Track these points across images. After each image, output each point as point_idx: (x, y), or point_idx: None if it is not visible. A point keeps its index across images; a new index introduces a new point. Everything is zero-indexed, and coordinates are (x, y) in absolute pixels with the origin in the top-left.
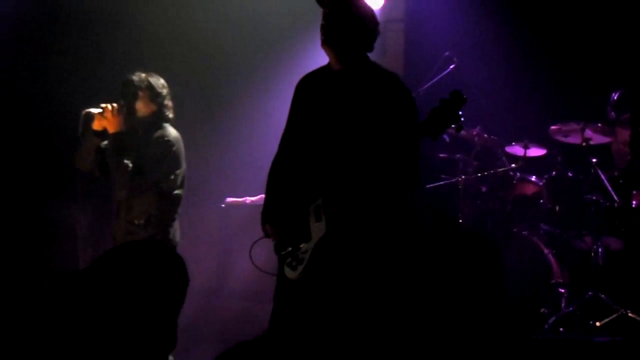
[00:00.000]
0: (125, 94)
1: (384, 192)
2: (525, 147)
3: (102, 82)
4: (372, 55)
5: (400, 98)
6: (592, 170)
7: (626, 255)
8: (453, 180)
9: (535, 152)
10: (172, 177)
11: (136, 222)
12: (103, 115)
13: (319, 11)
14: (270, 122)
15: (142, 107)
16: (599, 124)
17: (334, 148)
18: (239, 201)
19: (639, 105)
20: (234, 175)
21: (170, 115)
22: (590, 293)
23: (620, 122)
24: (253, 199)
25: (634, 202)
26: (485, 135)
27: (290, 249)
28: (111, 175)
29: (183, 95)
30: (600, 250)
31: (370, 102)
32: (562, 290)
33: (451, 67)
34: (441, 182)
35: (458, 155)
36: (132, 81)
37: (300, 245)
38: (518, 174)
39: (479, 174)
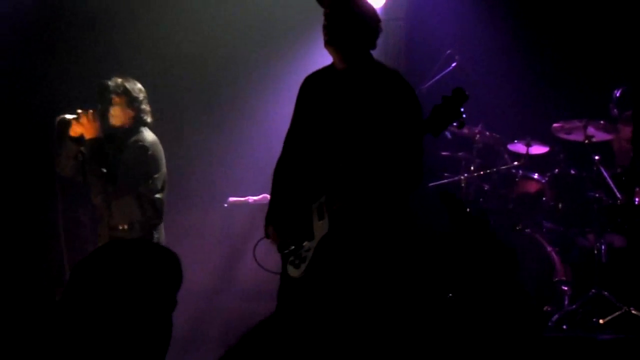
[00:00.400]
0: (102, 100)
1: (387, 190)
2: (528, 145)
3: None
4: (373, 54)
5: (404, 96)
6: (595, 168)
7: (629, 252)
8: (455, 178)
9: (538, 149)
10: (151, 181)
11: (120, 227)
12: (79, 121)
13: (321, 11)
14: (273, 122)
15: (119, 113)
16: (602, 121)
17: (337, 146)
18: (241, 201)
19: None
20: (236, 174)
21: (149, 120)
22: (593, 290)
23: (622, 119)
24: (256, 198)
25: (636, 199)
26: (488, 133)
27: (293, 247)
28: (88, 180)
29: (186, 95)
30: (603, 247)
31: (374, 100)
32: (565, 288)
33: (453, 65)
34: (444, 181)
35: (460, 154)
36: (108, 86)
37: (303, 244)
38: (521, 172)
39: (482, 172)
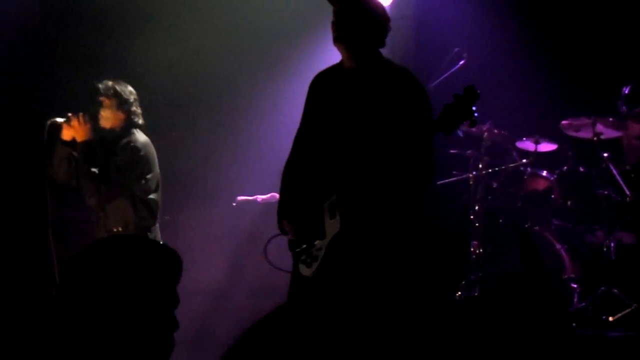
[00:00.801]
0: (92, 103)
1: (399, 189)
2: (536, 142)
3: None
4: (382, 52)
5: (414, 93)
6: (604, 165)
7: (638, 249)
8: (464, 176)
9: (546, 147)
10: (144, 182)
11: (114, 229)
12: (70, 125)
13: (330, 8)
14: (281, 121)
15: (109, 115)
16: (610, 118)
17: (348, 145)
18: (250, 199)
19: None
20: (245, 174)
21: (140, 122)
22: (602, 288)
23: (631, 116)
24: (264, 197)
25: None
26: (496, 131)
27: (304, 246)
28: (81, 183)
29: (194, 94)
30: (612, 244)
31: (384, 98)
32: (575, 286)
33: (461, 62)
34: (452, 179)
35: (469, 151)
36: (98, 89)
37: (315, 243)
38: (529, 169)
39: (490, 170)
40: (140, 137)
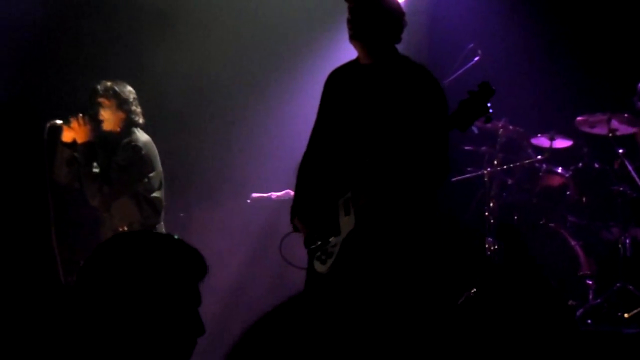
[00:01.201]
0: (92, 104)
1: (414, 185)
2: (551, 139)
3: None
4: (397, 48)
5: (430, 90)
6: (619, 161)
7: None
8: (479, 172)
9: (561, 143)
10: (146, 180)
11: (120, 228)
12: (70, 126)
13: (344, 5)
14: (296, 118)
15: (109, 116)
16: (626, 115)
17: (363, 141)
18: (264, 197)
19: None
20: (259, 171)
21: (140, 121)
22: (618, 284)
23: None
24: (278, 194)
25: None
26: (511, 127)
27: (319, 242)
28: (83, 184)
29: (208, 92)
30: (627, 241)
31: (400, 95)
32: (590, 282)
33: (476, 59)
34: (467, 175)
35: (483, 148)
36: (97, 90)
37: (330, 239)
38: (544, 166)
39: (505, 166)
40: (142, 136)
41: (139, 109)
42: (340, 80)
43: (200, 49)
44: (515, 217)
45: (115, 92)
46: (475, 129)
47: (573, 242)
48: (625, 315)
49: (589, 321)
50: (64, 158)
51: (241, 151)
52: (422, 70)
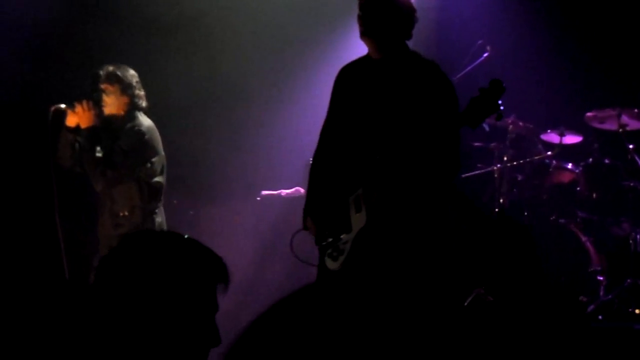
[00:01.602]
0: (95, 89)
1: (425, 182)
2: (561, 135)
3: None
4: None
5: (441, 86)
6: (629, 157)
7: None
8: (489, 169)
9: (571, 139)
10: (149, 165)
11: (121, 213)
12: (74, 111)
13: (353, 2)
14: (305, 116)
15: (113, 100)
16: (636, 110)
17: (374, 137)
18: (274, 194)
19: None
20: (269, 168)
21: (144, 104)
22: (629, 280)
23: None
24: (288, 191)
25: None
26: (521, 123)
27: (330, 239)
28: (87, 169)
29: (217, 90)
30: (638, 237)
31: (411, 90)
32: (601, 278)
33: (484, 55)
34: (477, 172)
35: (493, 144)
36: (100, 76)
37: (341, 236)
38: (554, 162)
39: (515, 163)
40: (145, 120)
41: (142, 92)
42: (350, 77)
43: (210, 48)
44: (526, 213)
45: (118, 76)
46: (486, 127)
47: (584, 238)
48: (637, 311)
49: (600, 317)
50: (67, 142)
51: (251, 149)
52: (432, 66)
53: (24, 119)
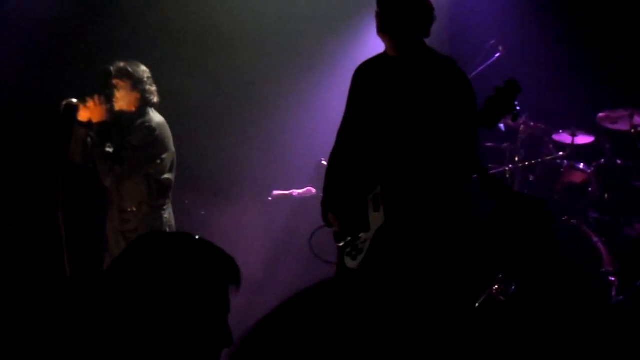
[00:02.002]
0: (106, 86)
1: (443, 180)
2: (573, 135)
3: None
4: None
5: (459, 83)
6: None
7: None
8: (500, 169)
9: (583, 139)
10: (159, 161)
11: (128, 209)
12: (86, 106)
13: (367, 2)
14: (317, 115)
15: (124, 96)
16: None
17: (391, 136)
18: (285, 194)
19: None
20: (280, 168)
21: (155, 100)
22: None
23: None
24: (300, 191)
25: None
26: (532, 124)
27: (349, 238)
28: (97, 164)
29: (230, 88)
30: None
31: (429, 88)
32: (613, 279)
33: (497, 55)
34: (490, 172)
35: (505, 144)
36: (111, 72)
37: (360, 235)
38: (566, 162)
39: (527, 163)
40: (155, 117)
41: (153, 88)
42: (367, 75)
43: (224, 47)
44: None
45: (129, 72)
46: (502, 127)
47: (595, 239)
48: None
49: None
50: (79, 137)
51: (262, 149)
52: (450, 62)
53: (34, 115)
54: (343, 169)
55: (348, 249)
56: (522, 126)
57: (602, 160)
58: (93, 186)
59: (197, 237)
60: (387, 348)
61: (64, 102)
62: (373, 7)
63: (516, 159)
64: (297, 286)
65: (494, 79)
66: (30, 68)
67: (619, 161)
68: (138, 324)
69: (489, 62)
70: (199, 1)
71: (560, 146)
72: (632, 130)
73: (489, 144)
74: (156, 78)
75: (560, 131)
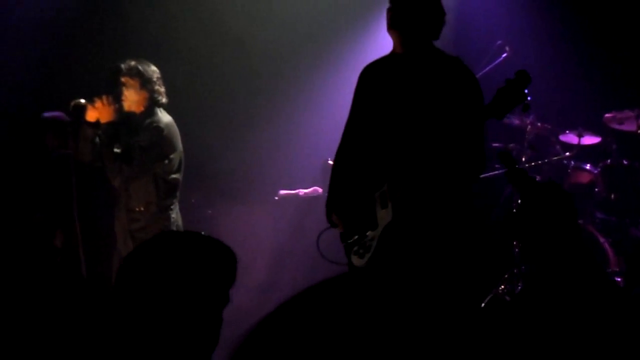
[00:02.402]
0: (115, 83)
1: (450, 177)
2: (580, 135)
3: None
4: None
5: (465, 80)
6: None
7: None
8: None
9: (590, 140)
10: (167, 161)
11: (136, 209)
12: (94, 106)
13: (371, 3)
14: (324, 115)
15: (133, 95)
16: None
17: (399, 133)
18: (292, 194)
19: None
20: (286, 168)
21: (163, 100)
22: None
23: None
24: (306, 191)
25: None
26: (539, 124)
27: (356, 237)
28: (105, 164)
29: (237, 88)
30: None
31: (435, 85)
32: (619, 279)
33: (503, 55)
34: (495, 172)
35: (512, 145)
36: (121, 70)
37: (367, 233)
38: (572, 163)
39: (533, 163)
40: (164, 117)
41: (162, 89)
42: (374, 74)
43: (231, 46)
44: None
45: (139, 71)
46: (514, 121)
47: (602, 239)
48: None
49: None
50: (87, 137)
51: (269, 148)
52: (456, 61)
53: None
54: (350, 167)
55: (355, 248)
56: (529, 127)
57: (609, 160)
58: (101, 185)
59: (202, 232)
60: (394, 345)
61: (72, 103)
62: (381, 8)
63: (523, 159)
64: (302, 286)
65: (500, 79)
66: (39, 68)
67: (625, 162)
68: (145, 321)
69: (496, 62)
70: (208, 1)
71: (567, 147)
72: (639, 131)
73: (495, 145)
74: (164, 78)
75: (567, 132)
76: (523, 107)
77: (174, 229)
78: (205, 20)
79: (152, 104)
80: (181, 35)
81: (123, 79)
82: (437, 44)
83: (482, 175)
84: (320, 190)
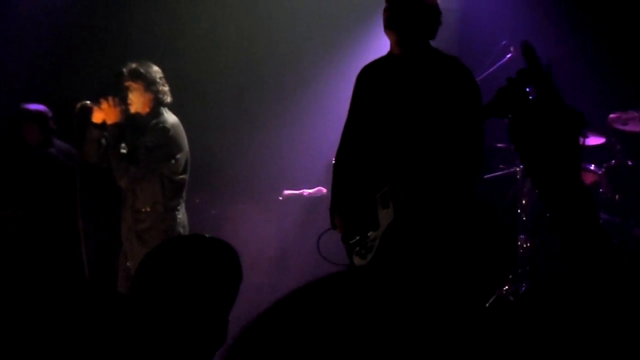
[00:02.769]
0: (119, 88)
1: (451, 176)
2: (584, 136)
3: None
4: None
5: (462, 79)
6: None
7: None
8: (511, 170)
9: (594, 140)
10: (173, 162)
11: (143, 209)
12: (100, 107)
13: (374, 4)
14: (328, 115)
15: (138, 97)
16: None
17: (398, 133)
18: (296, 194)
19: None
20: (291, 168)
21: (168, 100)
22: None
23: None
24: (310, 191)
25: None
26: None
27: (358, 237)
28: (112, 165)
29: (242, 89)
30: None
31: (433, 84)
32: None
33: (508, 56)
34: (499, 172)
35: None
36: (123, 74)
37: (369, 234)
38: None
39: None
40: (170, 117)
41: (166, 88)
42: (372, 75)
43: (235, 47)
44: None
45: (141, 73)
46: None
47: None
48: None
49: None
50: (93, 138)
51: (273, 148)
52: (454, 61)
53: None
54: (349, 168)
55: (357, 248)
56: None
57: (613, 161)
58: (107, 186)
59: (206, 235)
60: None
61: (78, 105)
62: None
63: None
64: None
65: (503, 80)
66: (43, 69)
67: (629, 162)
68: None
69: (501, 62)
70: (211, 2)
71: None
72: None
73: (499, 145)
74: (169, 79)
75: None
76: None
77: (180, 229)
78: (211, 22)
79: (158, 104)
80: (186, 37)
81: (126, 83)
82: (442, 44)
83: (486, 176)
84: (324, 190)
